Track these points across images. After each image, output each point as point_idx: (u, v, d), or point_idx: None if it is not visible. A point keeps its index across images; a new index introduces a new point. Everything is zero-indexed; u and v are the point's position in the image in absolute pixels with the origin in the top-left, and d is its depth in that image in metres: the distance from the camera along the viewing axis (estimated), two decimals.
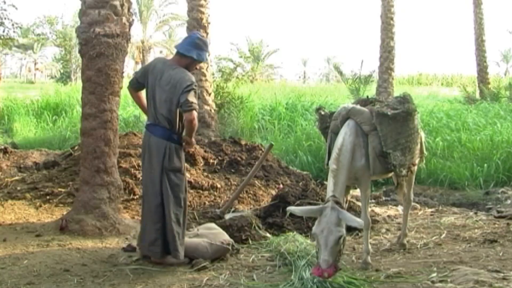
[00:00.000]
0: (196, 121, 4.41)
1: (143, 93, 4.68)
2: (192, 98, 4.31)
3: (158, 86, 4.43)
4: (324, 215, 3.72)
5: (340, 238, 3.66)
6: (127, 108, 16.08)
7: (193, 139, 4.62)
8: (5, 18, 12.95)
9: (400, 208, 6.88)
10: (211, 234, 4.74)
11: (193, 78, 4.47)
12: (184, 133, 4.50)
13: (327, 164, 4.45)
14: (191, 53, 4.45)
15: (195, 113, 4.35)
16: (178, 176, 4.43)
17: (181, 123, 4.46)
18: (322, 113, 4.86)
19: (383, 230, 5.76)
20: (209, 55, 4.44)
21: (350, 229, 5.44)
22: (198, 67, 10.12)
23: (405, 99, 4.65)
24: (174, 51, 4.66)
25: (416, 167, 5.01)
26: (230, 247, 4.65)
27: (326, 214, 3.72)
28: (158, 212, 4.39)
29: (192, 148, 4.62)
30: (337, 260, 3.68)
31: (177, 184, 4.42)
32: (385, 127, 4.37)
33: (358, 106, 4.59)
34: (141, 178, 5.73)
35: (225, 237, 4.75)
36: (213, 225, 5.07)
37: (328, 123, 4.70)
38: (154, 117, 4.45)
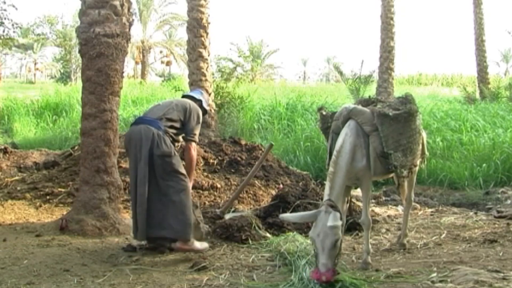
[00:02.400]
0: (194, 154, 4.89)
1: None
2: (197, 130, 4.83)
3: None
4: (319, 219, 3.73)
5: (336, 241, 3.66)
6: (127, 108, 16.12)
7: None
8: (5, 18, 12.99)
9: (400, 208, 6.89)
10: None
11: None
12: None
13: (328, 165, 4.44)
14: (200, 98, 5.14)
15: (194, 145, 4.86)
16: (167, 160, 4.49)
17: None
18: (324, 113, 4.84)
19: (383, 230, 5.76)
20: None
21: (350, 229, 5.46)
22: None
23: (407, 100, 4.63)
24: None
25: (417, 168, 5.00)
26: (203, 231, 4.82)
27: (321, 218, 3.72)
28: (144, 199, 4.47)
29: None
30: (335, 264, 3.68)
31: (167, 169, 4.48)
32: (386, 128, 4.35)
33: (360, 107, 4.57)
34: None
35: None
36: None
37: (329, 123, 4.68)
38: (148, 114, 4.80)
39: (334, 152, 4.18)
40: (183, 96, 5.30)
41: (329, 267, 3.57)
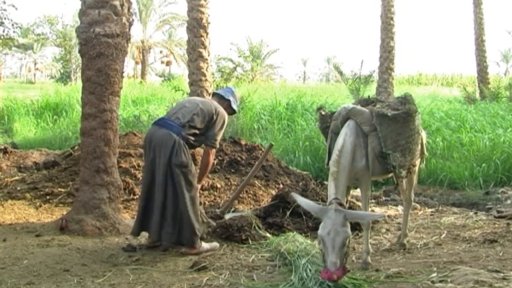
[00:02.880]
0: (212, 160, 4.94)
1: None
2: (219, 136, 4.85)
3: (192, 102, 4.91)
4: (328, 217, 3.66)
5: (346, 239, 3.62)
6: (127, 108, 16.12)
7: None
8: (5, 18, 12.99)
9: (400, 208, 6.89)
10: None
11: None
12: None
13: (327, 164, 4.44)
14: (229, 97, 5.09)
15: (214, 151, 4.92)
16: (183, 171, 4.54)
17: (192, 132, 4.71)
18: (323, 113, 4.85)
19: (383, 230, 5.76)
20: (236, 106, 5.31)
21: (350, 229, 5.46)
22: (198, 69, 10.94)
23: (406, 100, 4.63)
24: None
25: (416, 168, 5.00)
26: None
27: (331, 216, 3.66)
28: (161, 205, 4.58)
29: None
30: (344, 262, 3.66)
31: (183, 179, 4.53)
32: (385, 128, 4.35)
33: (359, 107, 4.57)
34: (141, 178, 5.75)
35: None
36: None
37: (328, 123, 4.69)
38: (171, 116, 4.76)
39: (336, 152, 4.17)
40: (213, 94, 5.32)
41: (338, 266, 3.54)
